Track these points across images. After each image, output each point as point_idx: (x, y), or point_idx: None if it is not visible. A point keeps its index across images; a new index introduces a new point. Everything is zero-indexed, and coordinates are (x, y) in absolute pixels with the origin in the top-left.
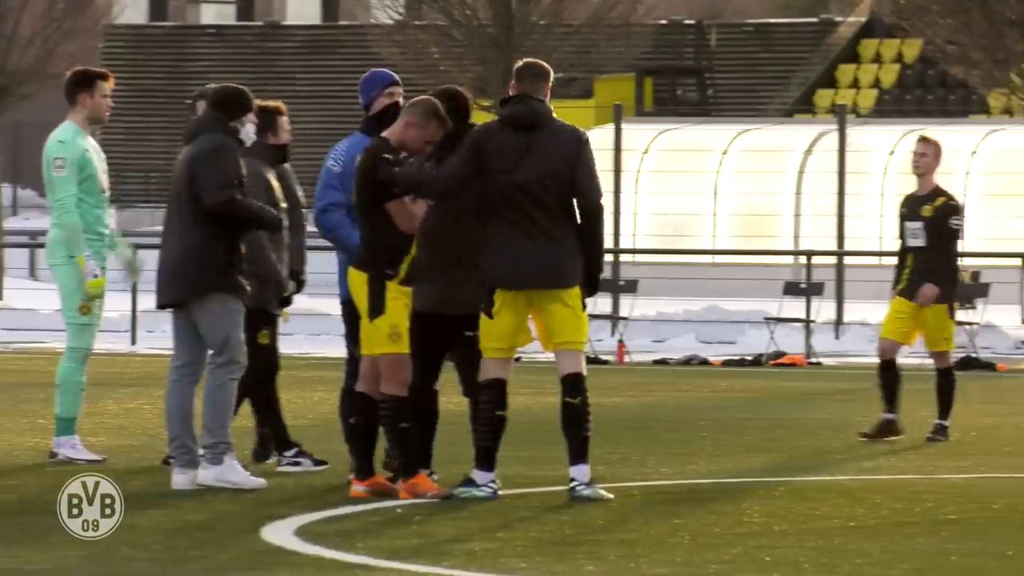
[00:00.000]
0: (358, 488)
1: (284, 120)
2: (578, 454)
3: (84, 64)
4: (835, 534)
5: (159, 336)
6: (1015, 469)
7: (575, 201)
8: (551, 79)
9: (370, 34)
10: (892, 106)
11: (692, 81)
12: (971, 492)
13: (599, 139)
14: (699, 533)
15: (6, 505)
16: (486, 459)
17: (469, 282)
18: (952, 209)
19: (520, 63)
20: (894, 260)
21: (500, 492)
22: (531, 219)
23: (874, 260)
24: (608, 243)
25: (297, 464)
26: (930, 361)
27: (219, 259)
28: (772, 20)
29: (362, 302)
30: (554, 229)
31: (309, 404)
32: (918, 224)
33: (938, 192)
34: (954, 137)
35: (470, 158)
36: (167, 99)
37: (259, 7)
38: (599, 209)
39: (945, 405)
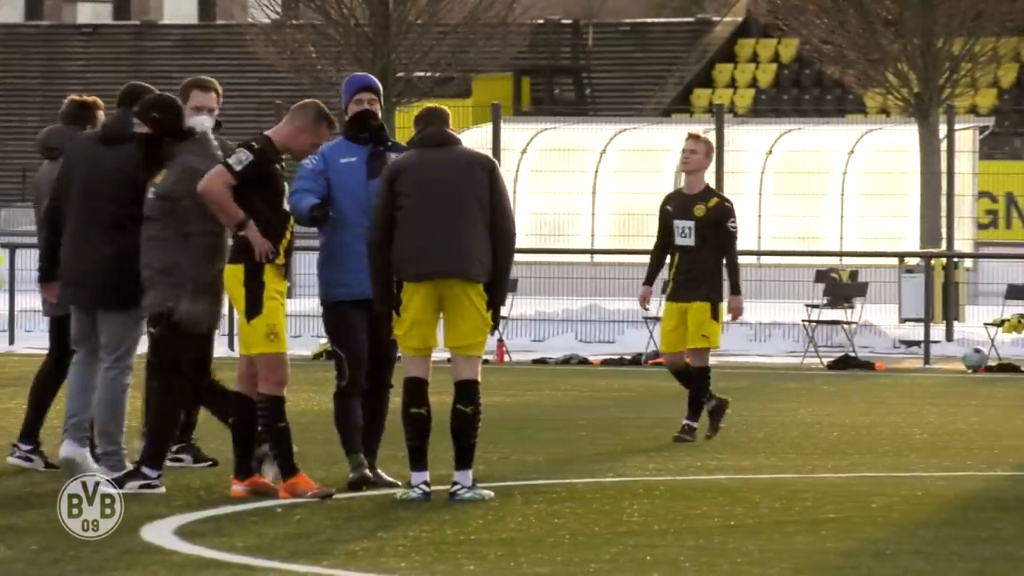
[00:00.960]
0: (238, 488)
1: (101, 115)
2: (464, 459)
3: None
4: (714, 533)
5: (37, 336)
6: (893, 468)
7: None
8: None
9: (247, 33)
10: (769, 106)
11: (569, 81)
12: (850, 491)
13: (477, 138)
14: (579, 532)
15: None
16: (412, 458)
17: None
18: (727, 211)
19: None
20: (772, 260)
21: (429, 491)
22: None
23: (752, 259)
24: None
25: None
26: (810, 361)
27: (135, 266)
28: (648, 20)
29: (239, 302)
30: None
31: None
32: (689, 223)
33: (710, 192)
34: (831, 137)
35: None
36: (42, 98)
37: (135, 6)
38: None
39: (695, 405)
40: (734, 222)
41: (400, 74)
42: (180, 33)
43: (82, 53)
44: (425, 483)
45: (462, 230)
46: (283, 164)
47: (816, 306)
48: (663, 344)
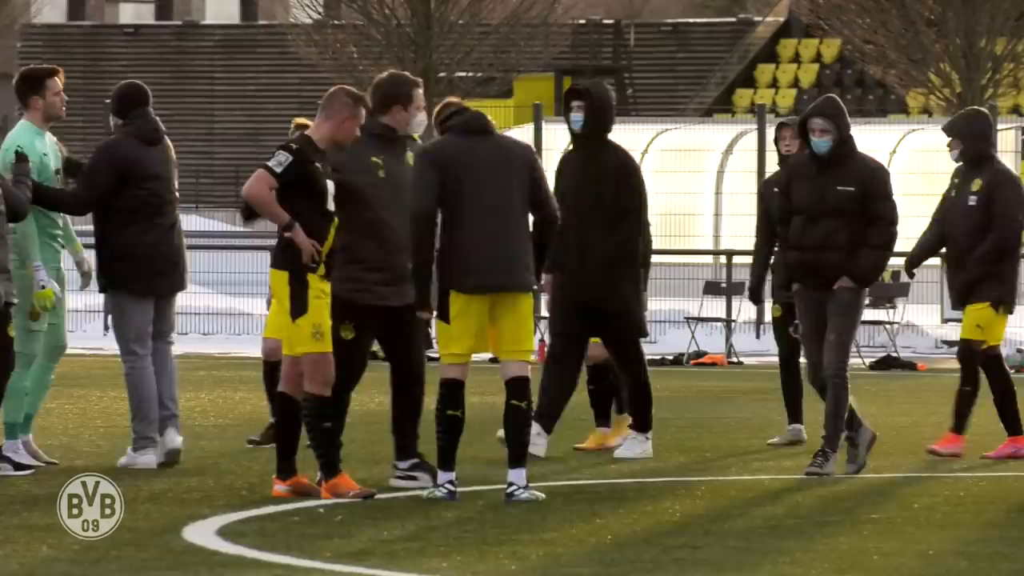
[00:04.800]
0: (280, 488)
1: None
2: (519, 457)
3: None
4: (756, 533)
5: (80, 336)
6: (936, 468)
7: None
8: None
9: (288, 33)
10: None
11: (611, 81)
12: (892, 491)
13: (519, 138)
14: (620, 532)
15: None
16: (442, 459)
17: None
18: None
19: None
20: None
21: (455, 490)
22: None
23: None
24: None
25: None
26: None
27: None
28: (690, 20)
29: (284, 302)
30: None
31: (230, 404)
32: None
33: None
34: (873, 137)
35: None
36: (84, 98)
37: (177, 6)
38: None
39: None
40: None
41: (442, 74)
42: (222, 33)
43: (124, 53)
44: (451, 482)
45: (517, 239)
46: (323, 164)
47: None
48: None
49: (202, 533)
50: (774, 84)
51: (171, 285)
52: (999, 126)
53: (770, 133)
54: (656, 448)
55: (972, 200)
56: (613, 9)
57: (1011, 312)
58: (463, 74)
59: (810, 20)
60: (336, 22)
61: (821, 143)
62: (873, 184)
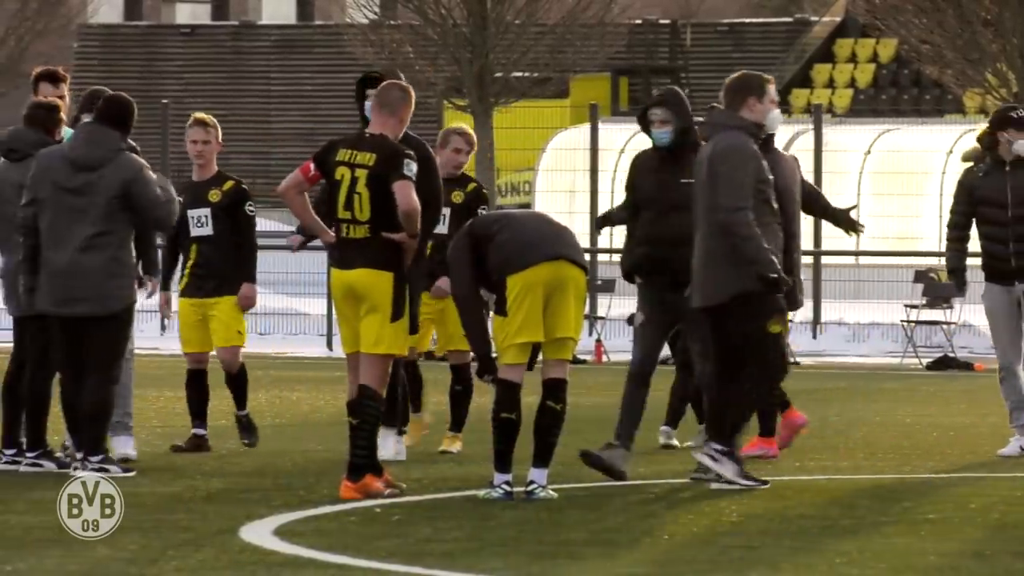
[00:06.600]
0: (349, 488)
1: (61, 117)
2: (544, 457)
3: (57, 63)
4: (812, 533)
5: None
6: (992, 469)
7: None
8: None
9: (345, 33)
10: (867, 106)
11: (667, 80)
12: (948, 492)
13: (575, 139)
14: (676, 533)
15: None
16: (498, 461)
17: None
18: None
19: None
20: (871, 260)
21: (511, 491)
22: None
23: (851, 260)
24: (585, 243)
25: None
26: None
27: None
28: (746, 20)
29: (385, 305)
30: None
31: (287, 404)
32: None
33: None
34: (930, 137)
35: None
36: (140, 98)
37: (234, 6)
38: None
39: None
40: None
41: (498, 74)
42: (278, 33)
43: (180, 53)
44: (507, 483)
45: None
46: None
47: (915, 306)
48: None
49: (259, 533)
50: (831, 84)
51: None
52: None
53: (827, 132)
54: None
55: None
56: (669, 9)
57: None
58: (519, 74)
59: (867, 20)
60: (392, 22)
61: (661, 134)
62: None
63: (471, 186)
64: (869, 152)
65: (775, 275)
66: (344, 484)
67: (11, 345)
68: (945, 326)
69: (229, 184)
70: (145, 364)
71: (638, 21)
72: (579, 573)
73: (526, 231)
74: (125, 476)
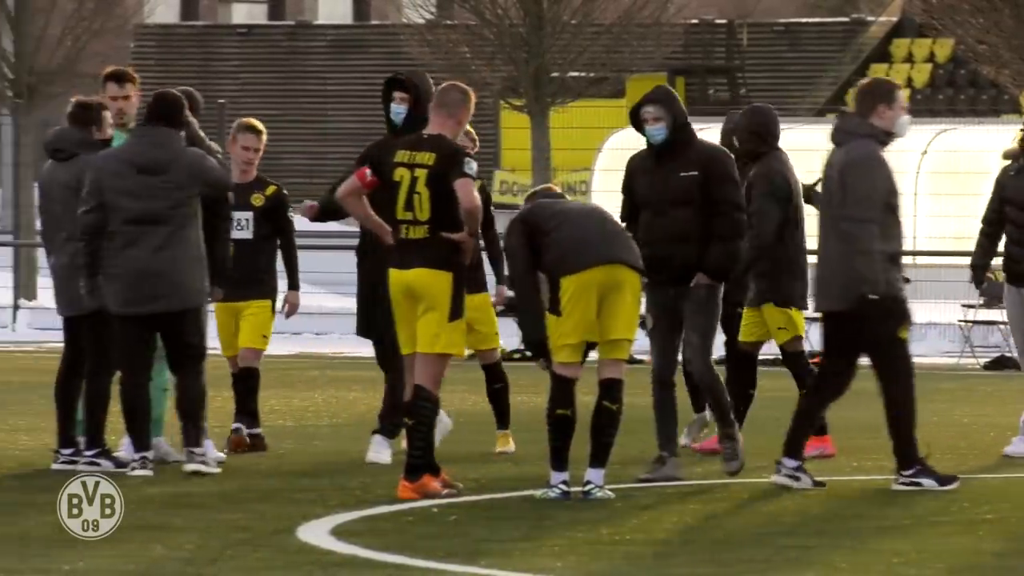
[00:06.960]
0: (407, 488)
1: (108, 115)
2: (601, 457)
3: (114, 63)
4: (869, 533)
5: None
6: None
7: None
8: None
9: (401, 34)
10: (924, 106)
11: (723, 80)
12: (1007, 492)
13: (631, 139)
14: (734, 532)
15: (39, 506)
16: (554, 459)
17: None
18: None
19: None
20: (928, 260)
21: (568, 491)
22: None
23: (907, 260)
24: None
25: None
26: None
27: None
28: (802, 20)
29: (444, 306)
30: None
31: (344, 404)
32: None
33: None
34: (986, 136)
35: None
36: None
37: (290, 6)
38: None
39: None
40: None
41: (554, 74)
42: (334, 33)
43: (236, 53)
44: (564, 482)
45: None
46: None
47: (972, 306)
48: None
49: (316, 533)
50: None
51: None
52: None
53: None
54: (768, 448)
55: None
56: (725, 9)
57: None
58: (575, 74)
59: (923, 20)
60: (448, 22)
61: (656, 131)
62: (713, 167)
63: (271, 189)
64: (926, 152)
65: (876, 296)
66: (402, 484)
67: (61, 345)
68: (1002, 326)
69: (272, 189)
70: None
71: (694, 21)
72: (636, 573)
73: (583, 230)
74: (145, 474)
